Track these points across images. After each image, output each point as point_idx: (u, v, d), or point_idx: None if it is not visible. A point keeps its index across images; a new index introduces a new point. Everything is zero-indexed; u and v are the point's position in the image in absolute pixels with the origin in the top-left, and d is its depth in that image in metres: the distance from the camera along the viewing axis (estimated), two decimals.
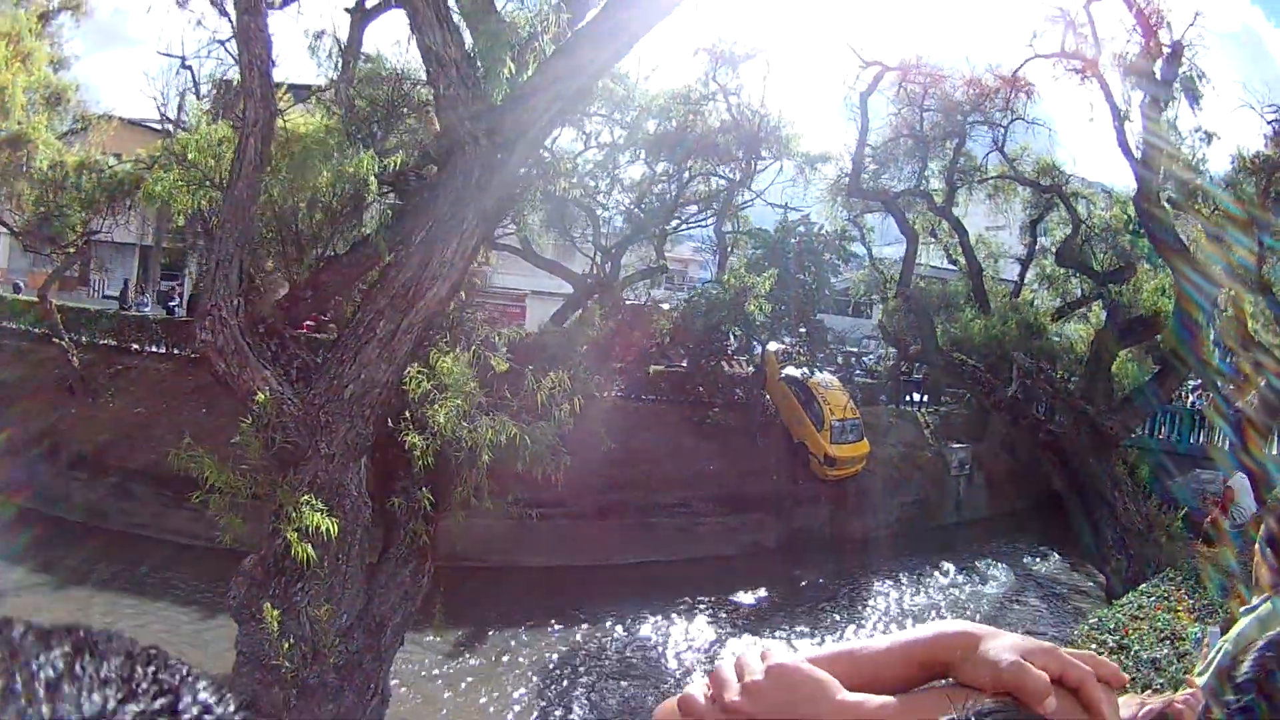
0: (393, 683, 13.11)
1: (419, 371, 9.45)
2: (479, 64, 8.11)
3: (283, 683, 7.56)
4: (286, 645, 7.49)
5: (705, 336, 24.53)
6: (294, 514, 7.61)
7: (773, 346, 25.84)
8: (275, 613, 7.50)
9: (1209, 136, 17.41)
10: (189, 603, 16.17)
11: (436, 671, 15.26)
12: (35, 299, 21.73)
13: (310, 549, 7.71)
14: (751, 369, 26.01)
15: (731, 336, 25.22)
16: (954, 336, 19.67)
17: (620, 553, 21.69)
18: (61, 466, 20.68)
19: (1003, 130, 21.06)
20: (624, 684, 16.02)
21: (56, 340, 20.18)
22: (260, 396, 8.14)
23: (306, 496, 7.83)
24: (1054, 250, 22.56)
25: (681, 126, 20.28)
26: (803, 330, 23.88)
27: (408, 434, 9.23)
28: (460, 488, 9.91)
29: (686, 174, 21.86)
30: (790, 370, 24.94)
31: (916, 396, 29.62)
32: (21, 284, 27.82)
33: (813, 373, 24.22)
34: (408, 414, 9.54)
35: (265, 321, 10.49)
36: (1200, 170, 17.31)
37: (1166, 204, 16.04)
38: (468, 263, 8.23)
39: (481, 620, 17.45)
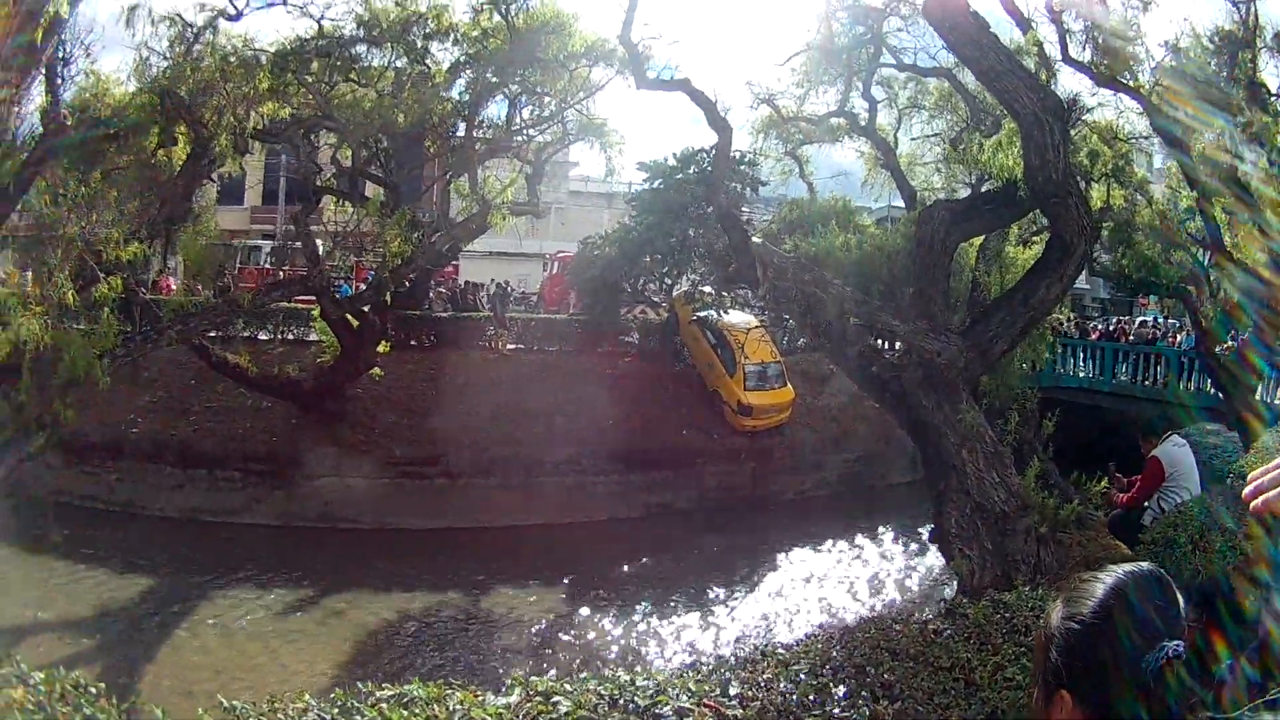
0: (211, 637, 12.81)
1: None
2: None
3: None
4: None
5: (601, 283, 19.66)
6: None
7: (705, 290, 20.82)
8: None
9: (1144, 3, 12.23)
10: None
11: (263, 629, 13.32)
12: None
13: None
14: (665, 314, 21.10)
15: (625, 284, 20.23)
16: (806, 256, 14.44)
17: (503, 515, 18.05)
18: None
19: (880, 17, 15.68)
20: (436, 655, 12.91)
21: None
22: None
23: None
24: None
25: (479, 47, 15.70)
26: (704, 269, 18.72)
27: None
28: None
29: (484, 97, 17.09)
30: (704, 313, 19.87)
31: None
32: None
33: (721, 314, 19.08)
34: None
35: None
36: (1134, 39, 12.00)
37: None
38: None
39: (329, 582, 15.04)
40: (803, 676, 3.53)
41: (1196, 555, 5.40)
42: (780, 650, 3.82)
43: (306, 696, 2.95)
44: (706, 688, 3.30)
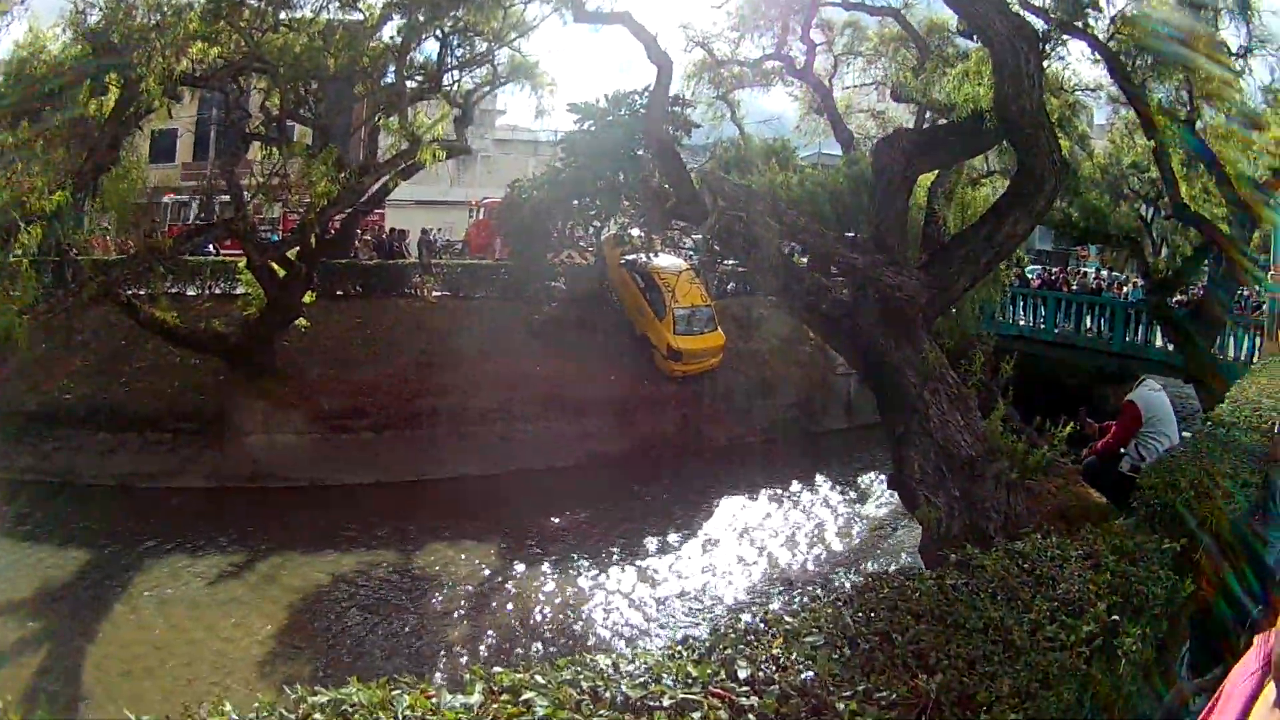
0: (148, 610, 12.27)
1: None
2: None
3: None
4: None
5: (528, 227, 18.82)
6: None
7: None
8: None
9: None
10: None
11: (198, 598, 12.79)
12: None
13: None
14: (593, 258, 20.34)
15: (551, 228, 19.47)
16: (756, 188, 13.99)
17: (433, 467, 17.53)
18: None
19: None
20: (374, 618, 12.55)
21: None
22: None
23: None
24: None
25: None
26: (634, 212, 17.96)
27: None
28: None
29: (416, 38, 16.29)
30: (633, 256, 19.19)
31: None
32: None
33: (650, 257, 18.38)
34: None
35: None
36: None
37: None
38: None
39: (260, 545, 14.55)
40: (819, 650, 2.92)
41: (1200, 502, 4.98)
42: (787, 619, 3.19)
43: (227, 705, 2.23)
44: (709, 670, 2.65)
